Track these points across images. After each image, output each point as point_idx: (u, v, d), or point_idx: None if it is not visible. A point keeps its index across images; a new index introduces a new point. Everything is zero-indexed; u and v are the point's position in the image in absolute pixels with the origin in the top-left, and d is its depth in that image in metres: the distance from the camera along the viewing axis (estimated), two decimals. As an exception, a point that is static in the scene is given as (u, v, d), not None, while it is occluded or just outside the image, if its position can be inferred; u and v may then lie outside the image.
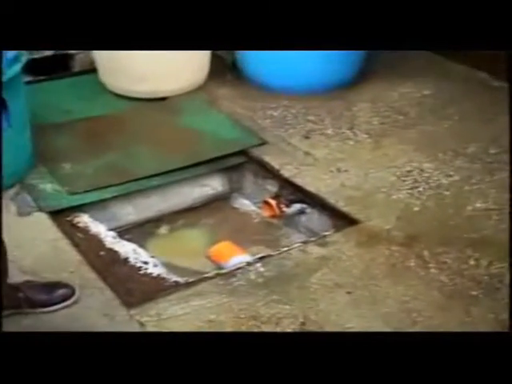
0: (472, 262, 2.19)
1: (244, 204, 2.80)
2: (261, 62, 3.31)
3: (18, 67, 2.42)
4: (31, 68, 3.29)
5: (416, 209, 2.46)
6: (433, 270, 2.16)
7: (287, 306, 2.01)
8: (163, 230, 2.66)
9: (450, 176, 2.65)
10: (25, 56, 2.49)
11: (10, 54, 2.37)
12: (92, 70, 3.36)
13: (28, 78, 3.29)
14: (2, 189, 2.44)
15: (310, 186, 2.58)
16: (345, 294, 2.06)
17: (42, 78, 3.41)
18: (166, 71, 3.18)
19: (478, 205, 2.47)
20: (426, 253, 2.23)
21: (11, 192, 2.53)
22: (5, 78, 2.32)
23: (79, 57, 3.49)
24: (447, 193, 2.54)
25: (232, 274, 2.16)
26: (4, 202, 2.46)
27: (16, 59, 2.42)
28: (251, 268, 2.17)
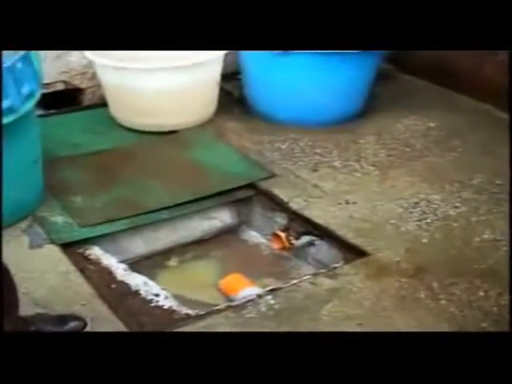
0: (481, 293, 2.20)
1: (253, 236, 2.82)
2: (268, 96, 3.36)
3: (32, 103, 2.46)
4: (42, 102, 3.34)
5: (424, 240, 2.47)
6: (442, 302, 2.17)
7: (298, 338, 2.02)
8: (173, 262, 2.67)
9: (457, 207, 2.67)
10: (39, 92, 2.52)
11: (24, 89, 2.40)
12: (102, 104, 3.40)
13: (39, 112, 3.34)
14: (11, 222, 2.48)
15: (319, 219, 2.60)
16: (355, 326, 2.07)
17: (52, 112, 3.45)
18: (175, 105, 3.23)
19: (486, 236, 2.49)
20: (435, 284, 2.24)
21: (23, 225, 2.56)
22: (19, 113, 2.37)
23: (89, 91, 3.54)
24: (455, 224, 2.56)
25: (243, 306, 2.17)
26: (16, 234, 2.50)
27: (30, 95, 2.45)
28: (261, 300, 2.18)
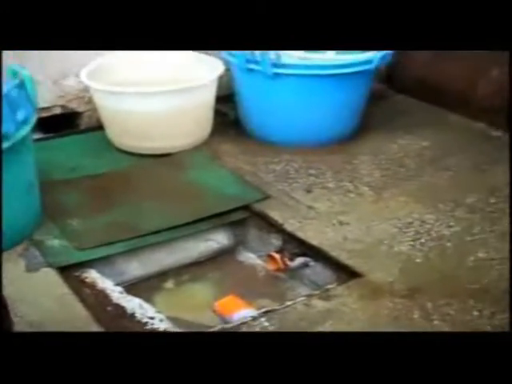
0: (475, 313, 2.21)
1: (249, 257, 2.83)
2: (261, 118, 3.39)
3: (27, 128, 2.48)
4: (40, 126, 3.37)
5: (418, 260, 2.48)
6: (436, 322, 2.17)
7: (292, 360, 2.03)
8: (169, 284, 2.69)
9: (451, 227, 2.68)
10: (34, 117, 2.55)
11: (19, 115, 2.43)
12: (99, 127, 3.42)
13: (37, 136, 3.36)
14: (7, 246, 2.49)
15: (313, 240, 2.61)
16: (349, 347, 2.07)
17: (50, 135, 3.48)
18: (171, 128, 3.25)
19: (480, 255, 2.50)
20: (429, 305, 2.25)
21: (20, 248, 2.57)
22: (14, 139, 2.39)
23: (87, 115, 3.57)
24: (449, 244, 2.57)
25: (236, 328, 2.18)
26: (13, 258, 2.52)
27: (25, 121, 2.47)
28: (256, 323, 2.19)
